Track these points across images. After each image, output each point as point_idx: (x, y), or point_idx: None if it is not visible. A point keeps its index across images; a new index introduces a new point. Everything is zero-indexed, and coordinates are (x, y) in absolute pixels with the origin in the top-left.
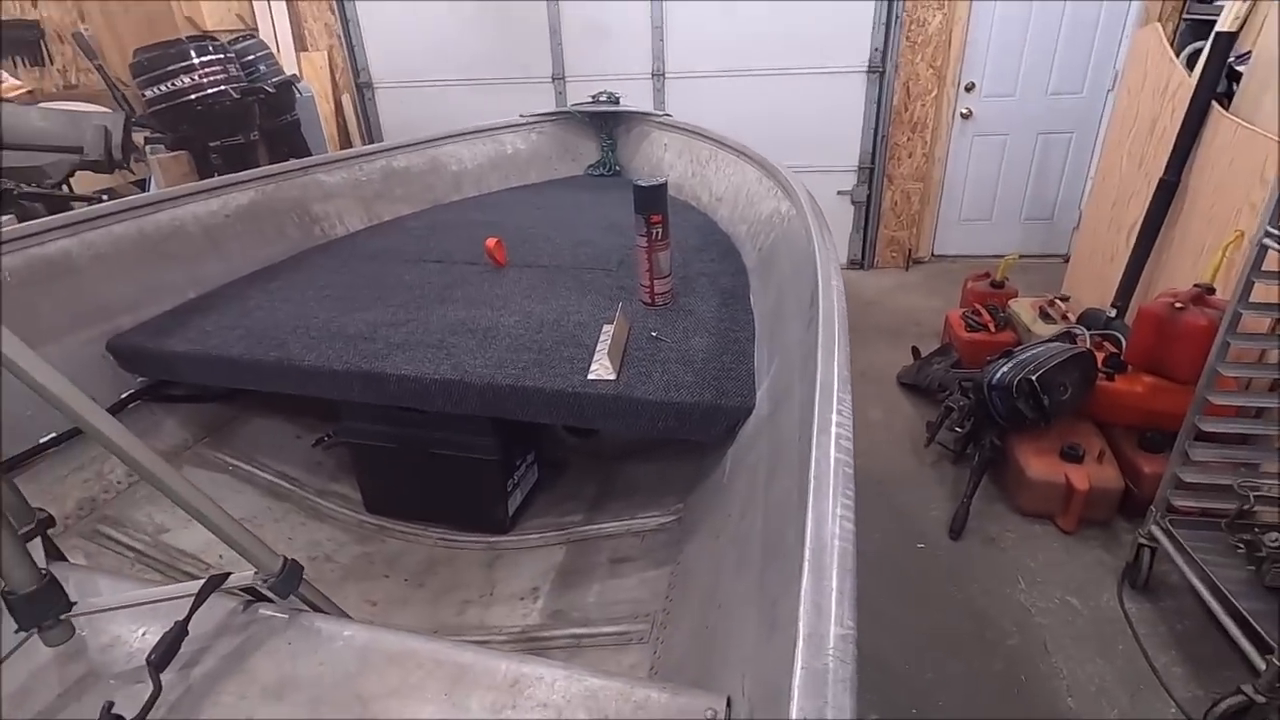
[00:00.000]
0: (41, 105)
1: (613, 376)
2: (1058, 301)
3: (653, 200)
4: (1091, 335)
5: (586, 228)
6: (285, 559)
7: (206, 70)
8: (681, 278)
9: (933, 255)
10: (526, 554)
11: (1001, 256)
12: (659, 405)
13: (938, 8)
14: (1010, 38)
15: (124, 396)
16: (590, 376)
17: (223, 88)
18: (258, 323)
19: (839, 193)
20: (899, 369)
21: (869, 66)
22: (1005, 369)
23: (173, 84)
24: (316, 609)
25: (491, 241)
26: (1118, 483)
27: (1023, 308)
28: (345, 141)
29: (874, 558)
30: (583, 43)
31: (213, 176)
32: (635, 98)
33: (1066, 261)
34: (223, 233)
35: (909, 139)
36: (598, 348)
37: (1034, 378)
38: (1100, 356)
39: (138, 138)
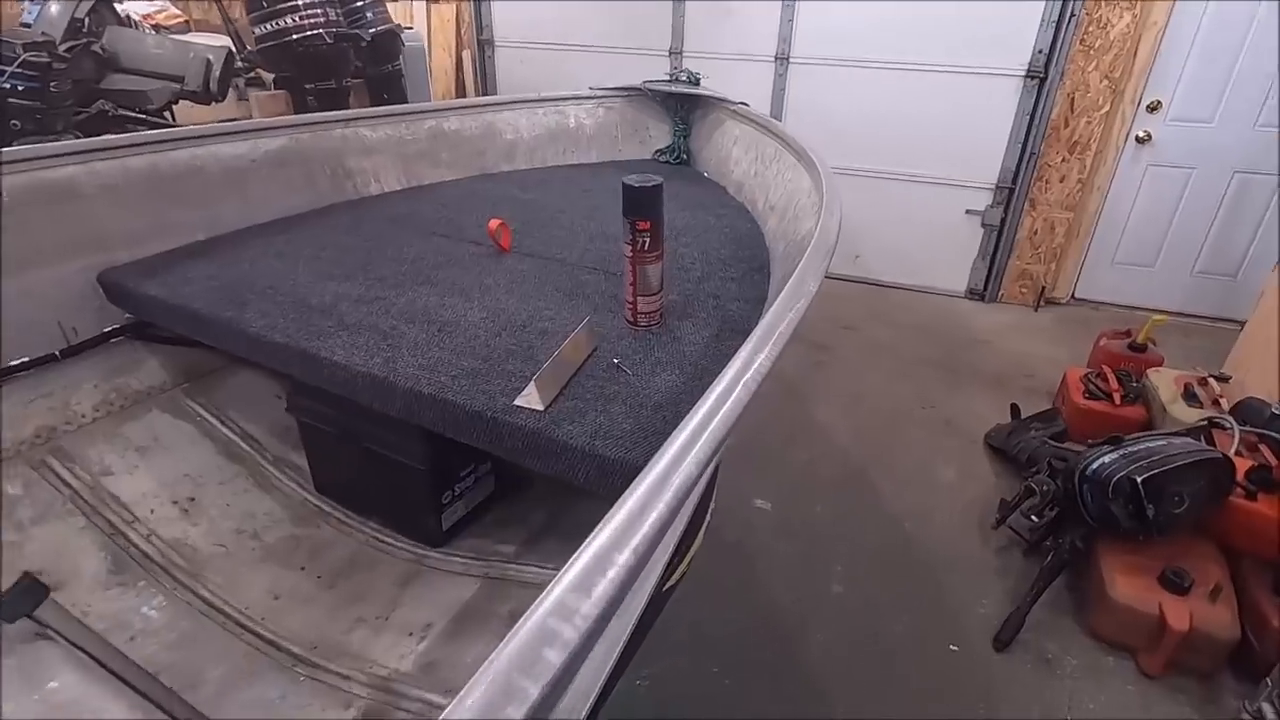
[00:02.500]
0: (159, 34)
1: (540, 407)
2: (1211, 381)
3: (642, 203)
4: (1242, 433)
5: (620, 220)
6: (22, 576)
7: (308, 12)
8: (688, 295)
9: (1072, 298)
10: (443, 579)
11: (1162, 313)
12: (580, 453)
13: (1127, 7)
14: (1219, 50)
15: (107, 330)
16: (516, 402)
17: (319, 30)
18: (237, 277)
19: (968, 212)
20: (992, 426)
21: (1027, 71)
22: (1107, 458)
23: (278, 23)
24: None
25: (494, 223)
26: (1232, 630)
27: (1164, 381)
28: (460, 96)
29: (892, 648)
30: (706, 18)
31: None
32: (753, 82)
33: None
34: (246, 177)
35: (1064, 160)
36: (540, 369)
37: (1140, 479)
38: (1244, 466)
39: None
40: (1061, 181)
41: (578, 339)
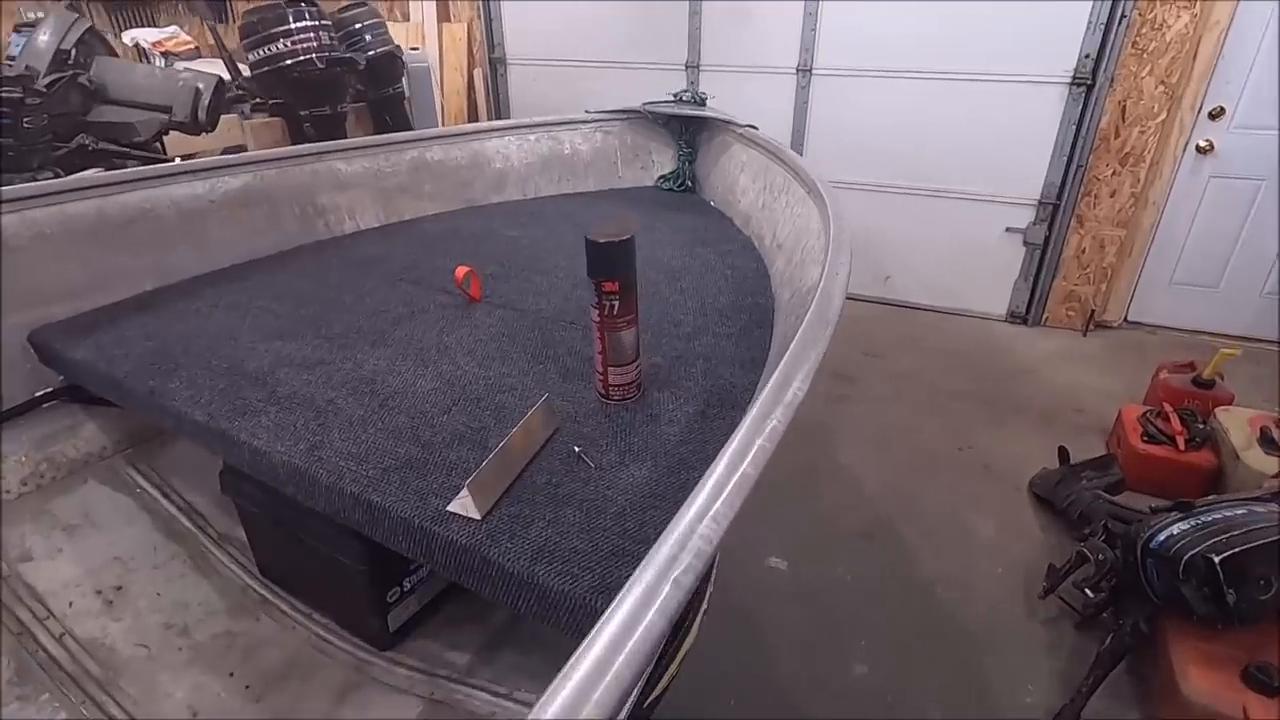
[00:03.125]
0: (150, 63)
1: (477, 516)
2: None
3: (608, 261)
4: None
5: None
6: None
7: (300, 36)
8: (676, 356)
9: (1125, 321)
10: (383, 696)
11: (1227, 337)
12: (517, 580)
13: (1185, 6)
14: None
15: (39, 394)
16: (450, 508)
17: (310, 56)
18: (175, 336)
19: (1008, 230)
20: (1037, 470)
21: (1073, 77)
22: (1176, 530)
23: (270, 49)
24: None
25: (462, 271)
26: None
27: (1235, 422)
28: (472, 117)
29: None
30: (724, 29)
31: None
32: (774, 95)
33: None
34: (204, 220)
35: (1115, 173)
36: (479, 469)
37: (1218, 559)
38: None
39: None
40: (1112, 196)
41: (531, 423)
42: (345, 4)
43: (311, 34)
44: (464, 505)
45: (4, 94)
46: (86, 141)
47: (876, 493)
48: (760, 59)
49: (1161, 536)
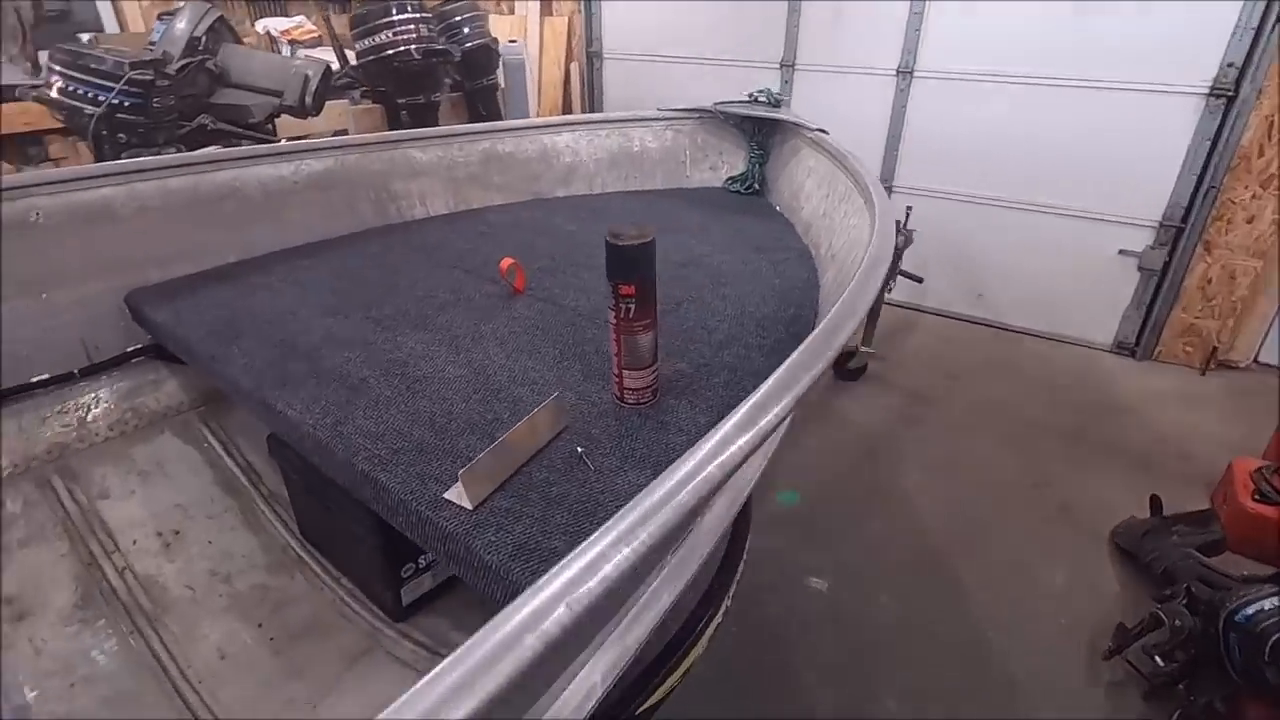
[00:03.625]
0: (269, 51)
1: (468, 506)
2: None
3: (625, 263)
4: None
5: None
6: None
7: (401, 28)
8: (702, 364)
9: (1255, 362)
10: (389, 667)
11: None
12: (494, 572)
13: None
14: None
15: (129, 350)
16: (446, 495)
17: (407, 47)
18: (246, 307)
19: (1121, 252)
20: (1122, 520)
21: (1212, 88)
22: (1268, 605)
23: (374, 39)
24: None
25: (506, 262)
26: None
27: None
28: (567, 109)
29: None
30: (823, 28)
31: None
32: (871, 98)
33: None
34: (285, 200)
35: (1255, 197)
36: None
37: None
38: None
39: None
40: (1250, 222)
41: (536, 420)
42: None
43: (412, 26)
44: (458, 494)
45: (137, 76)
46: (205, 121)
47: (936, 524)
48: (859, 59)
49: (1250, 610)
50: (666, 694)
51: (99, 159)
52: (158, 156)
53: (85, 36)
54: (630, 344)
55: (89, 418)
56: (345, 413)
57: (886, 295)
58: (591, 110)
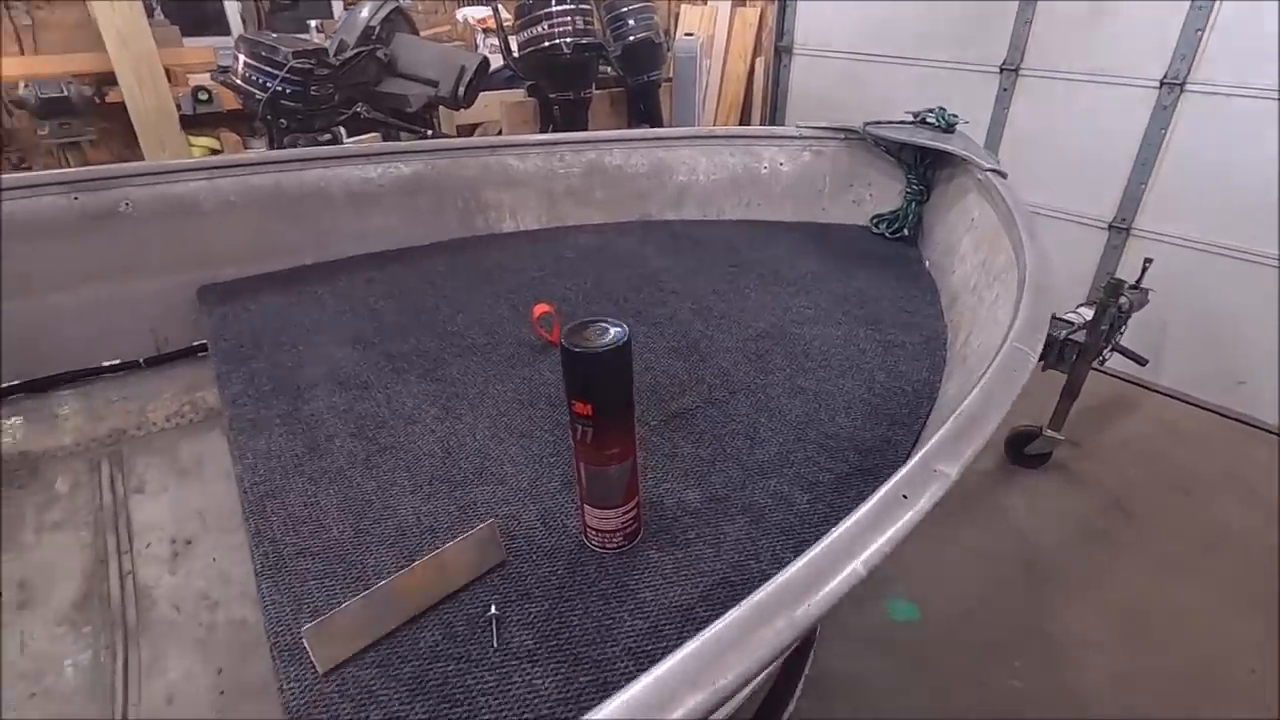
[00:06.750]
0: (435, 41)
1: (319, 668)
2: None
3: (582, 372)
4: None
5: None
6: None
7: (558, 19)
8: (724, 494)
9: None
10: None
11: None
12: None
13: None
14: None
15: (194, 344)
16: (304, 634)
17: (559, 40)
18: (281, 320)
19: None
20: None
21: None
22: None
23: (533, 30)
24: None
25: (540, 309)
26: None
27: None
28: (746, 107)
29: None
30: (1062, 26)
31: (547, 129)
32: (1120, 111)
33: None
34: (369, 203)
35: None
36: (348, 601)
37: None
38: None
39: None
40: None
41: (446, 560)
42: None
43: (568, 18)
44: (309, 641)
45: (299, 65)
46: (360, 110)
47: (1100, 697)
48: (1108, 65)
49: None
50: None
51: (269, 144)
52: (246, 153)
53: (313, 23)
54: (593, 475)
55: (149, 407)
56: (284, 481)
57: (1097, 364)
58: (773, 110)
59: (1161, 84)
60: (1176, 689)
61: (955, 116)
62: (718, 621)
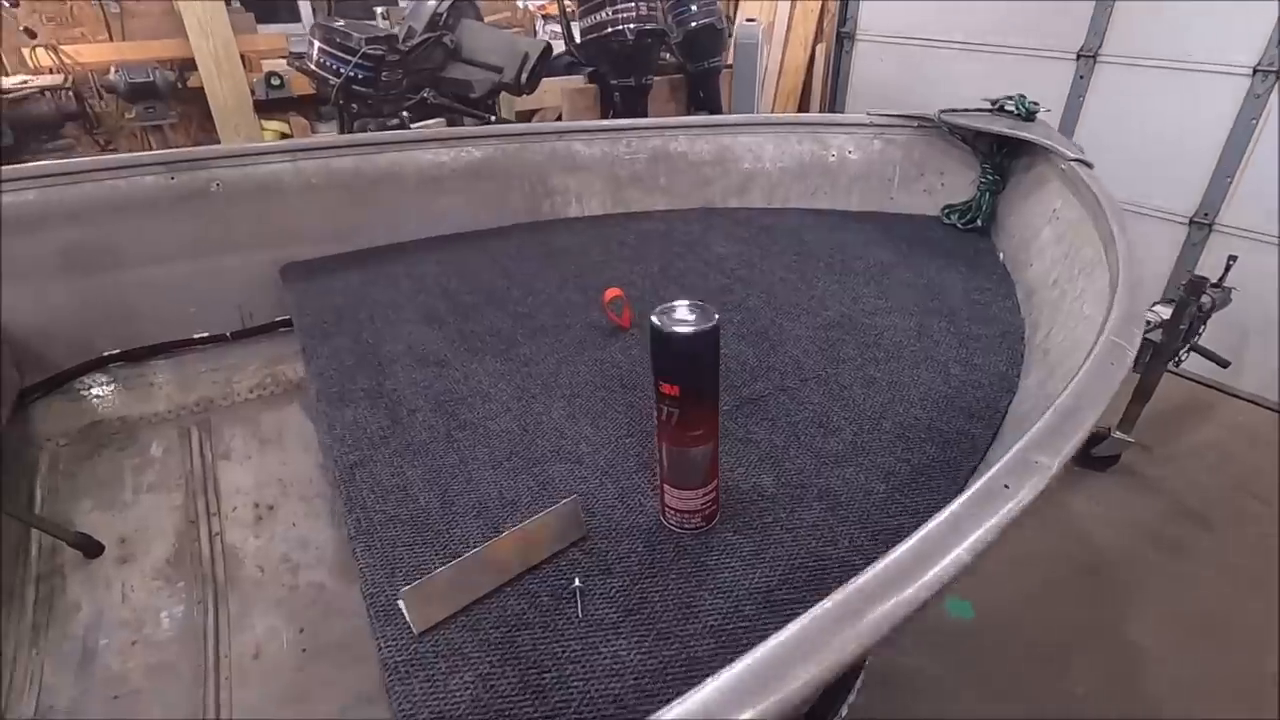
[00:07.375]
0: (498, 28)
1: (415, 629)
2: None
3: (671, 355)
4: None
5: (810, 314)
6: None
7: (622, 6)
8: (798, 484)
9: None
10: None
11: None
12: None
13: None
14: None
15: (276, 320)
16: (399, 599)
17: (623, 26)
18: (359, 297)
19: None
20: None
21: None
22: None
23: (596, 16)
24: None
25: (610, 293)
26: None
27: None
28: (805, 94)
29: None
30: (1145, 7)
31: (608, 115)
32: (1207, 101)
33: None
34: (440, 187)
35: None
36: (440, 568)
37: None
38: None
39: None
40: None
41: (531, 532)
42: None
43: (632, 4)
44: (405, 603)
45: (370, 51)
46: (425, 95)
47: (1161, 704)
48: (1197, 51)
49: None
50: None
51: (339, 128)
52: (324, 135)
53: (380, 9)
54: (675, 456)
55: (235, 378)
56: (372, 451)
57: (1172, 367)
58: (832, 99)
59: (1255, 71)
60: (1243, 703)
61: (1036, 104)
62: (826, 599)
